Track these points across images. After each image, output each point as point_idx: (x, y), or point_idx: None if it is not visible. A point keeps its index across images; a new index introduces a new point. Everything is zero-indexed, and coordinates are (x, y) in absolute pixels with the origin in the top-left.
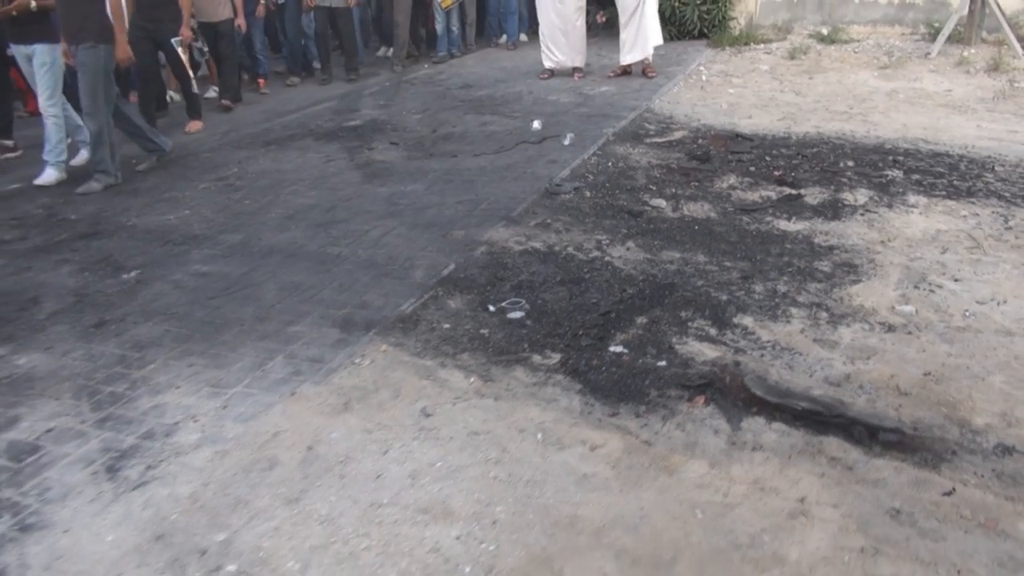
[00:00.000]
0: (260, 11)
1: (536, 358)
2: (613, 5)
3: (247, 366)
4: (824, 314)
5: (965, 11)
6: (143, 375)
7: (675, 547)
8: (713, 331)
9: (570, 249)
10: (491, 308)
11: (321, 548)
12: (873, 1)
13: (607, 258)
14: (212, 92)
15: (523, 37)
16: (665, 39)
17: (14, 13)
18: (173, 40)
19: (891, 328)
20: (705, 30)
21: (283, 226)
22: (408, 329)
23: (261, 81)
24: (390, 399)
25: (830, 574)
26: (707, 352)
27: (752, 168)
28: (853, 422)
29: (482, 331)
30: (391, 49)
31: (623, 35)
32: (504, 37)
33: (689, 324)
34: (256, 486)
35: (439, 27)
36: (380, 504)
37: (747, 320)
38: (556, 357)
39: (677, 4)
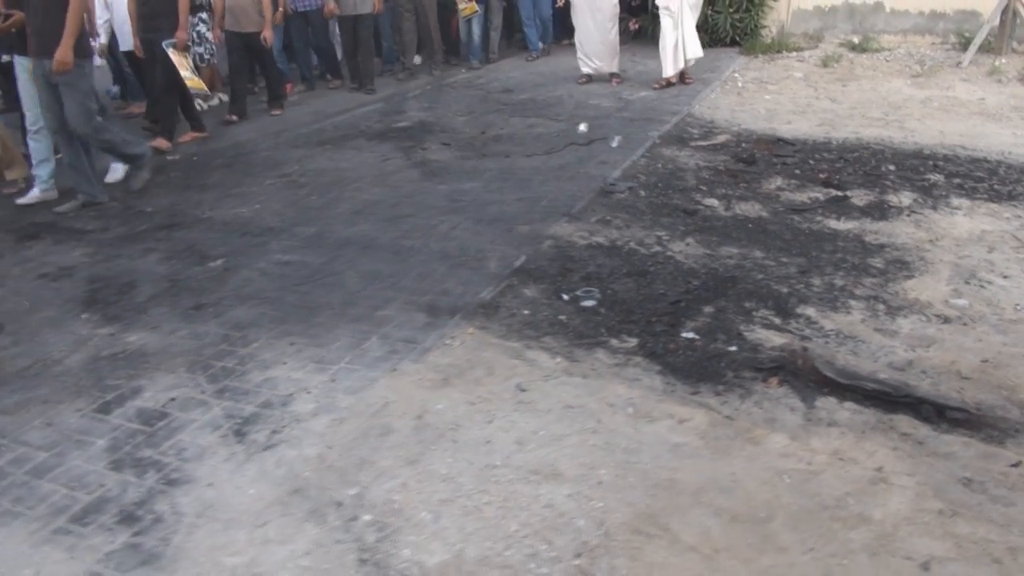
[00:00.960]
0: (279, 17)
1: (614, 342)
2: (646, 11)
3: (345, 345)
4: (881, 306)
5: (996, 21)
6: (249, 352)
7: (768, 507)
8: (777, 320)
9: (632, 244)
10: (564, 297)
11: (448, 502)
12: (904, 11)
13: (668, 253)
14: (215, 101)
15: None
16: None
17: (13, 30)
18: (165, 43)
19: (947, 320)
20: (737, 38)
21: (353, 220)
22: (490, 314)
23: (288, 87)
24: (485, 376)
25: (913, 532)
26: (774, 339)
27: (797, 171)
28: (921, 401)
29: (560, 317)
30: (417, 57)
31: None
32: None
33: (754, 314)
34: (376, 449)
35: (462, 35)
36: (494, 466)
37: (809, 311)
38: (633, 341)
39: (710, 12)
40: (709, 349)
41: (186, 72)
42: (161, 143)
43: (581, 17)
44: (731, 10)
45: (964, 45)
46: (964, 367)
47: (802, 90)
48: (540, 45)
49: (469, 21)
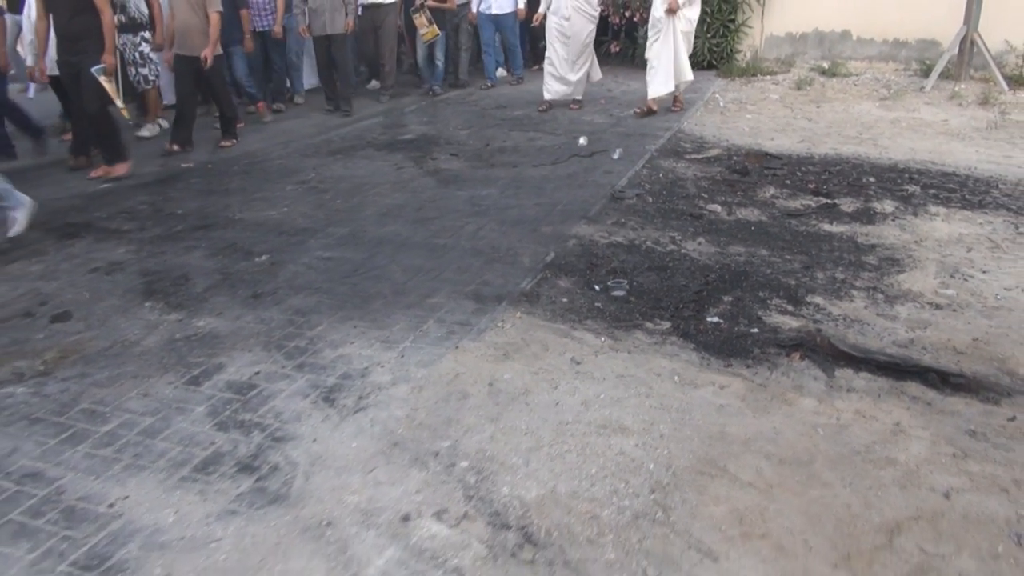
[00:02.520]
0: (248, 44)
1: (649, 325)
2: (626, 35)
3: (405, 328)
4: (880, 295)
5: (955, 50)
6: (315, 334)
7: (808, 453)
8: (790, 307)
9: (648, 243)
10: (596, 287)
11: (534, 450)
12: (869, 39)
13: (683, 250)
14: (145, 132)
15: (501, 72)
16: None
17: None
18: (94, 69)
19: (938, 307)
20: (714, 61)
21: (382, 222)
22: (533, 302)
23: (260, 106)
24: (541, 351)
25: (933, 471)
26: (790, 322)
27: (788, 181)
28: (927, 370)
29: (596, 304)
30: (374, 82)
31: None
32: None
33: (768, 302)
34: (459, 410)
35: (420, 59)
36: (567, 422)
37: (817, 299)
38: (666, 324)
39: None
40: (734, 331)
41: (118, 100)
42: (121, 168)
43: (552, 43)
44: (708, 35)
45: (926, 71)
46: (958, 344)
47: (780, 110)
48: (500, 73)
49: (431, 45)
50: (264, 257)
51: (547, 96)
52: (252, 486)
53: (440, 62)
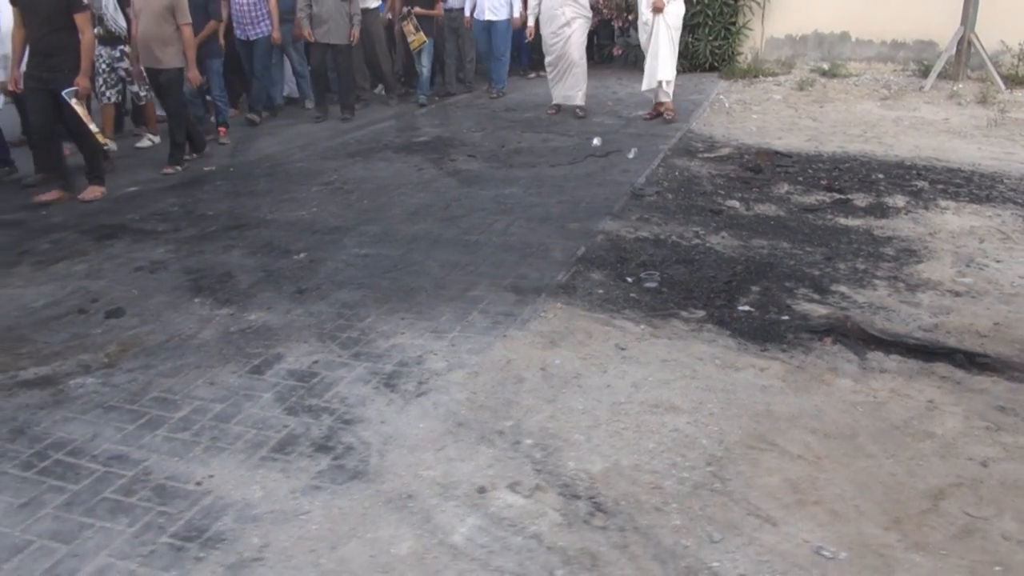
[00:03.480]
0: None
1: (684, 314)
2: (624, 37)
3: (451, 318)
4: (901, 284)
5: (953, 51)
6: (365, 326)
7: (851, 428)
8: (816, 296)
9: (674, 237)
10: (628, 279)
11: (593, 428)
12: (868, 40)
13: (708, 244)
14: (147, 141)
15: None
16: (679, 71)
17: None
18: (65, 92)
19: (958, 294)
20: (716, 63)
21: (412, 220)
22: (571, 293)
23: (222, 130)
24: (586, 339)
25: (969, 442)
26: (819, 309)
27: (800, 178)
28: (954, 351)
29: (631, 295)
30: (381, 87)
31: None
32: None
33: (795, 291)
34: (516, 393)
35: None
36: (620, 403)
37: (842, 288)
38: (700, 313)
39: (691, 39)
40: (765, 319)
41: (92, 124)
42: (95, 191)
43: (549, 49)
44: (710, 38)
45: (924, 72)
46: (980, 328)
47: (784, 110)
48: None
49: (419, 53)
50: (302, 255)
51: (555, 100)
52: (331, 464)
53: (425, 69)
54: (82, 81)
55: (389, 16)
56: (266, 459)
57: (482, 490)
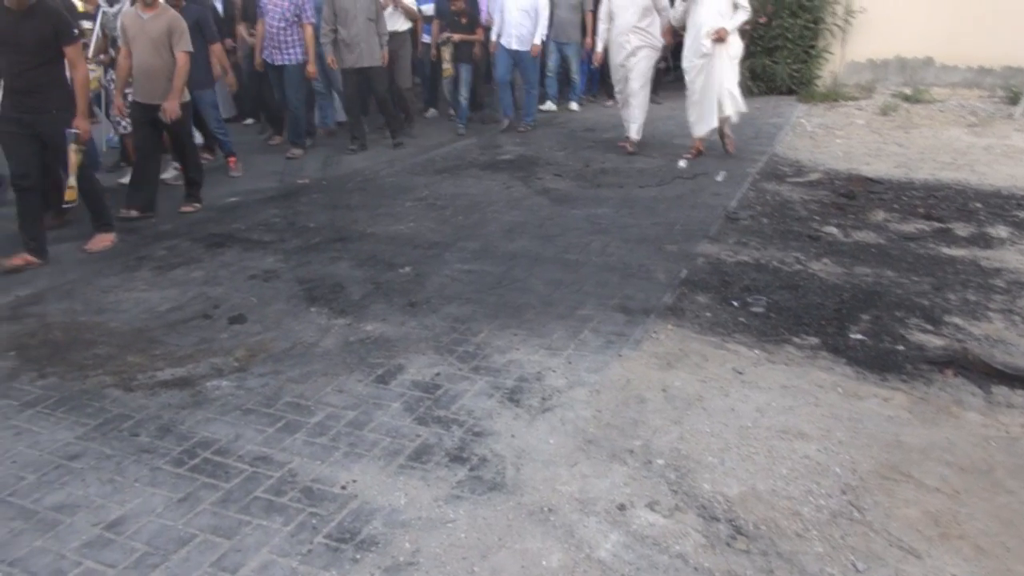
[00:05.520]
0: (231, 81)
1: (797, 340)
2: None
3: (563, 336)
4: (1017, 317)
5: None
6: (480, 340)
7: (986, 462)
8: (930, 326)
9: (774, 263)
10: (734, 303)
11: (725, 450)
12: (953, 66)
13: (810, 270)
14: (172, 170)
15: (549, 105)
16: (755, 94)
17: None
18: (68, 133)
19: None
20: (793, 87)
21: (509, 237)
22: (679, 315)
23: (231, 160)
24: (702, 361)
25: None
26: (934, 341)
27: (895, 206)
28: None
29: (739, 319)
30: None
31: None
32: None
33: (906, 321)
34: (641, 412)
35: (447, 93)
36: (747, 427)
37: (955, 319)
38: (814, 340)
39: (768, 62)
40: (880, 348)
41: (72, 178)
42: (104, 240)
43: (616, 80)
44: (789, 61)
45: (1012, 99)
46: None
47: (868, 136)
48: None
49: (455, 82)
50: (407, 268)
51: (633, 135)
52: (468, 475)
53: (464, 99)
54: (81, 123)
55: (435, 39)
56: (404, 467)
57: (622, 507)
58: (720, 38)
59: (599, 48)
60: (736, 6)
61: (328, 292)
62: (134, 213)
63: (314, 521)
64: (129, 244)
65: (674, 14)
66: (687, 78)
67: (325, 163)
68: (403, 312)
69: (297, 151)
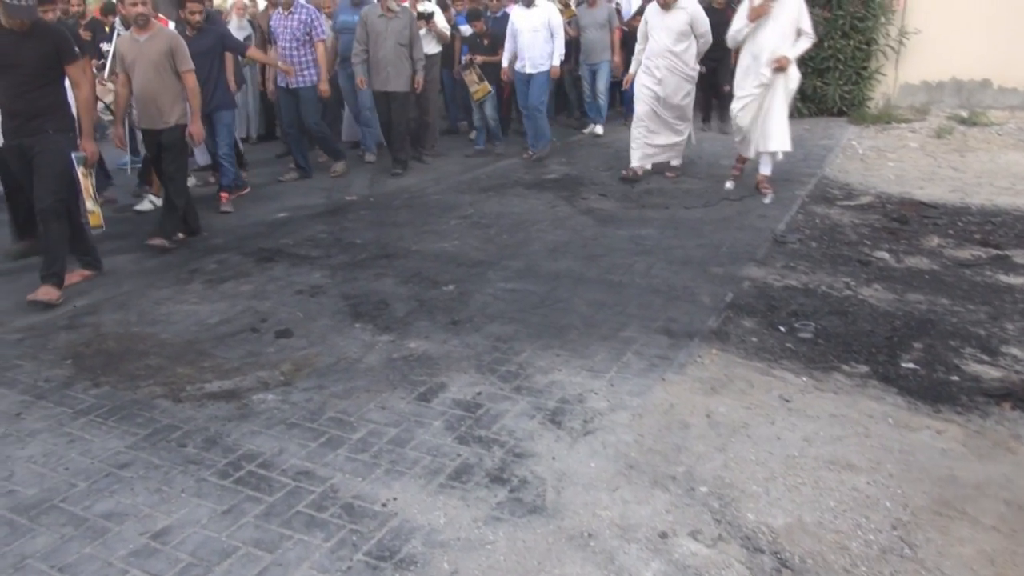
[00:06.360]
0: (287, 69)
1: (846, 367)
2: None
3: (606, 359)
4: None
5: None
6: (522, 360)
7: None
8: (986, 357)
9: (823, 288)
10: (781, 328)
11: (770, 480)
12: (1012, 88)
13: (860, 296)
14: (148, 204)
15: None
16: (805, 115)
17: None
18: (75, 155)
19: None
20: (844, 108)
21: (553, 257)
22: (724, 339)
23: (224, 196)
24: (747, 387)
25: None
26: (990, 372)
27: (950, 231)
28: None
29: (787, 345)
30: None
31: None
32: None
33: (961, 351)
34: (684, 438)
35: (475, 118)
36: (793, 456)
37: (1013, 350)
38: (863, 368)
39: (819, 83)
40: (933, 378)
41: (89, 202)
42: (50, 293)
43: (640, 97)
44: (840, 82)
45: None
46: None
47: (921, 159)
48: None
49: (483, 103)
50: (451, 287)
51: (634, 163)
52: (508, 496)
53: (494, 121)
54: (88, 145)
55: (466, 59)
56: (444, 486)
57: (663, 535)
58: (782, 67)
59: (632, 70)
60: (800, 32)
61: (372, 308)
62: (158, 242)
63: (354, 538)
64: (182, 257)
65: (730, 32)
66: (734, 106)
67: (372, 181)
68: (445, 330)
69: (339, 165)
